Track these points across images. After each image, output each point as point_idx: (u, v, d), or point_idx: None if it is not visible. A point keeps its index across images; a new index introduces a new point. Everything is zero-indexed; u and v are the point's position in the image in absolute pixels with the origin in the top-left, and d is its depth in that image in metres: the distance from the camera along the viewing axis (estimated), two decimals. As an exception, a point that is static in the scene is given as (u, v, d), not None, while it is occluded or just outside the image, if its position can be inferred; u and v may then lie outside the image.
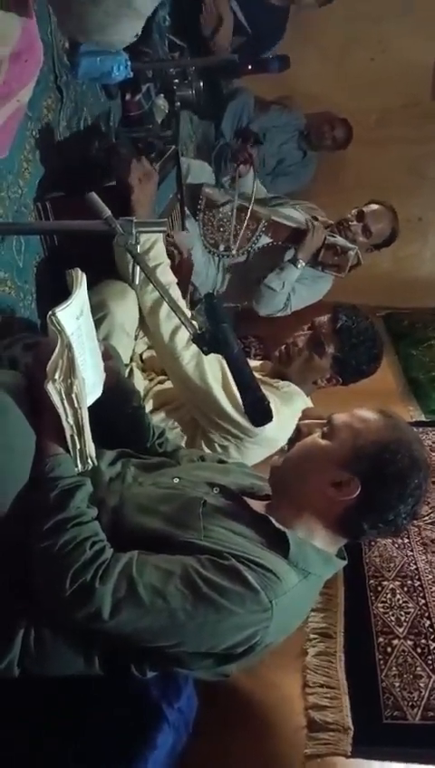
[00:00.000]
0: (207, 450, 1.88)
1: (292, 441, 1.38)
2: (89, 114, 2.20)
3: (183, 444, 1.89)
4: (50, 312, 1.10)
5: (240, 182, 2.91)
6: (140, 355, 2.06)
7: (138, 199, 1.75)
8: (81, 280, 1.20)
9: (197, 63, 2.33)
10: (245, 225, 2.89)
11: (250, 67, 2.31)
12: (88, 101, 2.18)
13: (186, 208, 2.83)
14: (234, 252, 2.90)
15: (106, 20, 1.02)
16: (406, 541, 2.06)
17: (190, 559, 1.12)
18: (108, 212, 1.35)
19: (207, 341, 1.36)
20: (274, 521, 1.22)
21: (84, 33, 1.08)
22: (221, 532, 1.19)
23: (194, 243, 2.84)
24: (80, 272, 1.21)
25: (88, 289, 1.43)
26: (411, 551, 2.02)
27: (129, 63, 2.10)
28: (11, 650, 1.08)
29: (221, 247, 2.96)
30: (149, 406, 1.92)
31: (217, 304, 1.35)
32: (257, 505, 1.30)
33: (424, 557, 1.99)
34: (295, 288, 2.95)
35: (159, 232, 1.53)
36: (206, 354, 1.37)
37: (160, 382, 2.03)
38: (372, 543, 2.05)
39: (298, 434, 1.33)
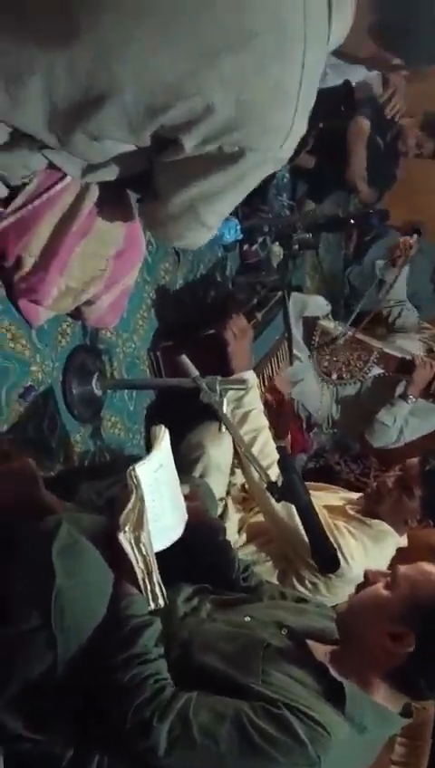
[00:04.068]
0: (298, 585, 1.94)
1: (359, 588, 1.43)
2: (205, 268, 2.49)
3: (275, 578, 1.97)
4: (130, 468, 1.28)
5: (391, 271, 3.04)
6: (242, 485, 2.20)
7: (234, 352, 1.95)
8: (162, 436, 1.38)
9: (305, 220, 2.57)
10: (357, 355, 3.03)
11: (352, 222, 2.52)
12: (205, 258, 2.47)
13: (301, 340, 3.03)
14: (345, 380, 3.04)
15: (184, 232, 1.23)
16: None
17: (244, 704, 1.17)
18: (196, 372, 1.56)
19: (278, 490, 1.48)
20: (332, 671, 1.25)
21: (167, 241, 1.32)
22: (280, 677, 1.23)
23: (305, 374, 3.01)
24: (163, 428, 1.40)
25: (191, 430, 1.61)
26: None
27: (238, 227, 2.39)
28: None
29: (334, 376, 3.10)
30: (242, 538, 2.03)
31: (288, 455, 1.48)
32: (322, 651, 1.32)
33: None
34: (410, 420, 2.99)
35: (241, 389, 1.71)
36: (277, 502, 1.48)
37: (259, 512, 2.14)
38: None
39: (366, 581, 1.38)
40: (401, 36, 1.15)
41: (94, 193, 1.32)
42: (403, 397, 2.90)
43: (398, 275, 3.05)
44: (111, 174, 1.26)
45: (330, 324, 3.13)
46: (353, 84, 2.39)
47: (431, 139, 3.41)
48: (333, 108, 2.09)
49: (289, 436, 2.56)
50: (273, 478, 1.90)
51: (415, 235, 3.12)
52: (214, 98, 0.99)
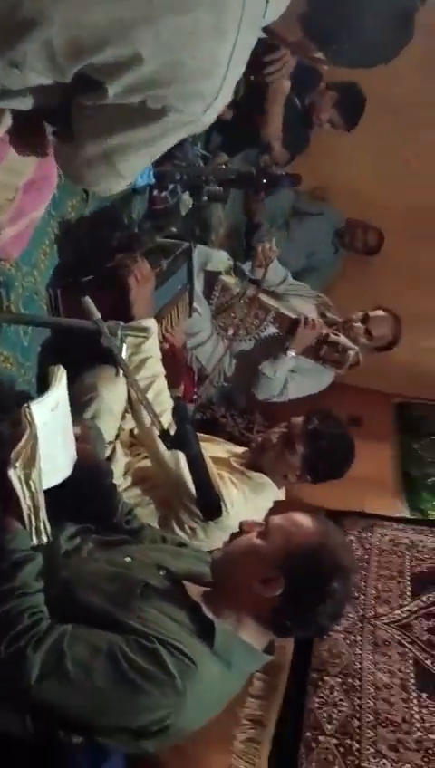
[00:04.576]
0: (178, 530, 2.01)
1: (233, 536, 1.51)
2: (113, 208, 2.43)
3: (156, 522, 2.03)
4: (25, 405, 1.27)
5: (258, 271, 3.13)
6: (131, 431, 2.23)
7: (135, 298, 1.94)
8: (60, 376, 1.38)
9: (217, 174, 2.56)
10: (254, 313, 3.10)
11: (265, 181, 2.54)
12: (113, 198, 2.41)
13: (201, 292, 3.06)
14: (241, 336, 3.11)
15: (98, 179, 1.20)
16: (359, 638, 2.13)
17: (119, 638, 1.23)
18: (98, 315, 1.54)
19: (171, 439, 1.52)
20: (205, 610, 1.33)
21: (80, 184, 1.30)
22: (155, 614, 1.30)
23: (202, 327, 3.05)
24: (61, 368, 1.39)
25: (87, 371, 1.57)
26: (361, 649, 2.09)
27: (150, 172, 2.35)
28: None
29: (230, 331, 3.15)
30: (127, 481, 2.07)
31: (184, 405, 1.52)
32: (196, 592, 1.40)
33: (371, 657, 2.05)
34: (296, 377, 3.10)
35: (143, 337, 1.72)
36: (168, 450, 1.52)
37: (146, 457, 2.19)
38: (325, 636, 2.12)
39: (240, 530, 1.46)
40: (327, 35, 1.19)
41: (8, 120, 1.26)
42: (284, 350, 2.99)
43: (264, 274, 3.12)
44: (25, 103, 1.21)
45: (231, 280, 3.17)
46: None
47: (343, 118, 3.51)
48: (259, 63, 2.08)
49: (181, 386, 2.59)
50: (165, 426, 1.95)
51: (274, 240, 3.20)
52: (145, 51, 0.99)
